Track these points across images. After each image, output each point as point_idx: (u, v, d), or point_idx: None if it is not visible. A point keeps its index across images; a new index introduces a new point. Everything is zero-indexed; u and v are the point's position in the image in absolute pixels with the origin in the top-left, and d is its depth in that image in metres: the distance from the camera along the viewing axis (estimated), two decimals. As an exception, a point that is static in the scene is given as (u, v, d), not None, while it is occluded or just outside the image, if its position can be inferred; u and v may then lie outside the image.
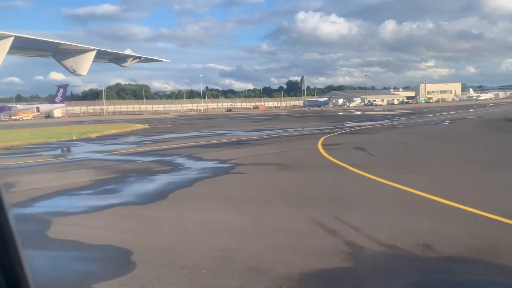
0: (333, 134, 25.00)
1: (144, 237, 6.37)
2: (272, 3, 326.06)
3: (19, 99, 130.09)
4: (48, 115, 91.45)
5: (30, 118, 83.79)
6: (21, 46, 15.38)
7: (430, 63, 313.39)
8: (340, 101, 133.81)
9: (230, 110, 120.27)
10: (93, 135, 31.08)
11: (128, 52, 29.93)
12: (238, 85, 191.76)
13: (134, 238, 6.27)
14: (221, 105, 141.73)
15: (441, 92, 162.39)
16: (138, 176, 12.22)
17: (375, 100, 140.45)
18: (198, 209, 8.25)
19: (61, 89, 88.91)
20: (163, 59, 33.34)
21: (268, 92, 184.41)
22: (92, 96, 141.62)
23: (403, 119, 41.66)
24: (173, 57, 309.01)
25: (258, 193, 9.45)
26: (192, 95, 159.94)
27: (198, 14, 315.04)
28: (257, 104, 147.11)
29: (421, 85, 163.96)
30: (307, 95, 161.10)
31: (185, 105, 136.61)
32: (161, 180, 11.42)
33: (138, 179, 11.79)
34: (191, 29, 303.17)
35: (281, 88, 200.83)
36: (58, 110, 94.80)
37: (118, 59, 26.06)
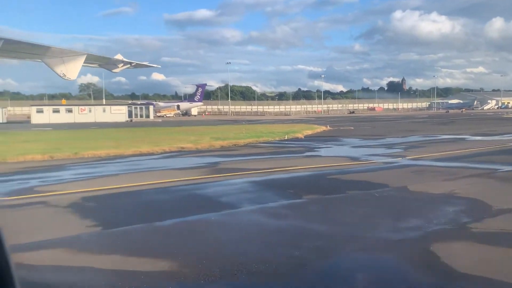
0: None
1: None
2: (367, 2, 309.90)
3: (144, 97, 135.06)
4: (186, 113, 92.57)
5: (172, 115, 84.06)
6: (11, 49, 15.27)
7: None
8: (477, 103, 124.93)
9: (353, 112, 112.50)
10: (299, 135, 30.71)
11: (118, 57, 29.74)
12: (328, 86, 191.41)
13: None
14: (339, 106, 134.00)
15: None
16: None
17: (509, 102, 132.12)
18: None
19: (199, 88, 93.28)
20: (153, 65, 33.17)
21: (366, 93, 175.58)
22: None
23: None
24: (261, 59, 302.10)
25: None
26: (288, 97, 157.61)
27: (288, 15, 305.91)
28: (373, 105, 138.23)
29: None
30: (409, 96, 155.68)
31: (305, 106, 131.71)
32: None
33: None
34: (281, 30, 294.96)
35: (381, 89, 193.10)
36: (195, 109, 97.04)
37: (109, 64, 25.96)
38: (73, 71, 18.72)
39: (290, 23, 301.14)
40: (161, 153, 20.13)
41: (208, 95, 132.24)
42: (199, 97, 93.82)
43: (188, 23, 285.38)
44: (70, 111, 64.40)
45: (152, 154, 19.87)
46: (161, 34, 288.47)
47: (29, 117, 63.64)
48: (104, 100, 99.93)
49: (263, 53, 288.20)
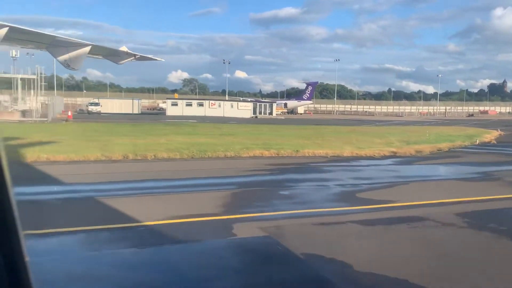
0: None
1: None
2: None
3: (233, 94, 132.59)
4: (292, 111, 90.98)
5: (279, 113, 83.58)
6: (15, 37, 14.75)
7: None
8: None
9: (472, 115, 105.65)
10: (486, 139, 29.28)
11: (123, 49, 29.11)
12: (416, 87, 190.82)
13: None
14: (447, 108, 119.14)
15: None
16: None
17: None
18: None
19: (309, 86, 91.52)
20: (158, 58, 32.80)
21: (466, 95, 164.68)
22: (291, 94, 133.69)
23: None
24: (346, 57, 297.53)
25: None
26: (377, 96, 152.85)
27: (377, 12, 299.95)
28: (484, 108, 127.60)
29: None
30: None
31: (407, 107, 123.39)
32: None
33: None
34: (368, 28, 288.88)
35: (481, 91, 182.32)
36: (302, 107, 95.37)
37: (114, 56, 25.48)
38: (77, 61, 18.25)
39: (378, 20, 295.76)
40: (382, 157, 18.93)
41: (295, 93, 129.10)
42: (308, 95, 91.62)
43: (272, 21, 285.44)
44: (201, 105, 67.54)
45: (372, 157, 18.76)
46: (245, 33, 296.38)
47: (150, 108, 72.60)
48: (197, 95, 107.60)
49: (348, 51, 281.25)
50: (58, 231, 7.27)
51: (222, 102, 70.72)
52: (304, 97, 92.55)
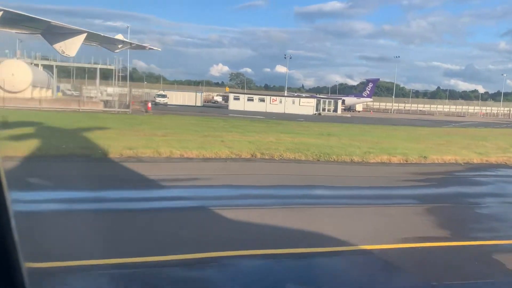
0: None
1: None
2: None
3: (276, 89, 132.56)
4: (349, 109, 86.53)
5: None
6: (10, 22, 14.41)
7: None
8: None
9: None
10: None
11: (119, 37, 28.89)
12: (465, 86, 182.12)
13: None
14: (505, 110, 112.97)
15: None
16: None
17: None
18: None
19: (370, 83, 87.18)
20: (154, 48, 32.05)
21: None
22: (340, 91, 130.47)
23: None
24: (392, 54, 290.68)
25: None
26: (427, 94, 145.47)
27: (427, 8, 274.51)
28: None
29: None
30: None
31: (464, 107, 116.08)
32: None
33: None
34: (417, 25, 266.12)
35: None
36: (360, 105, 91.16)
37: (109, 44, 25.29)
38: (72, 48, 17.91)
39: (428, 17, 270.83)
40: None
41: (344, 89, 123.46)
42: (368, 92, 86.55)
43: (317, 15, 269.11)
44: (262, 100, 66.03)
45: (506, 165, 17.25)
46: (288, 27, 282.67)
47: (205, 101, 74.60)
48: (245, 89, 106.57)
49: (394, 47, 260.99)
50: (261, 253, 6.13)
51: (283, 98, 68.89)
52: (364, 94, 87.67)
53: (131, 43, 25.69)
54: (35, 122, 20.98)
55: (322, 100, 71.19)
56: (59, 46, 17.99)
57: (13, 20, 15.44)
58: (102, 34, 22.51)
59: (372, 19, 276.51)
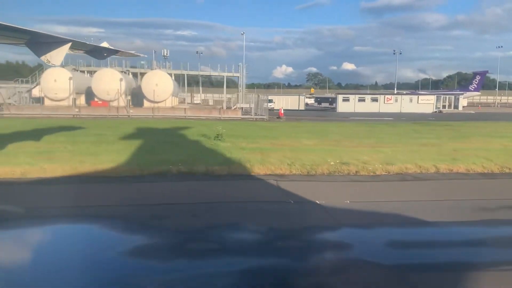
0: None
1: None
2: None
3: (346, 87, 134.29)
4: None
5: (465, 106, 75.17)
6: None
7: None
8: None
9: None
10: None
11: (104, 45, 26.58)
12: None
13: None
14: None
15: None
16: None
17: None
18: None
19: (478, 76, 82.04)
20: (139, 54, 28.71)
21: None
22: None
23: None
24: (466, 45, 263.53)
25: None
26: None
27: None
28: None
29: None
30: None
31: None
32: None
33: None
34: (492, 13, 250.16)
35: None
36: (465, 100, 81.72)
37: (95, 52, 23.55)
38: (57, 57, 17.34)
39: (505, 3, 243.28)
40: None
41: (425, 85, 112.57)
42: (475, 86, 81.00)
43: (385, 9, 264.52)
44: (375, 100, 62.83)
45: None
46: (355, 23, 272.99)
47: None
48: (327, 89, 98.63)
49: (468, 38, 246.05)
50: None
51: (399, 97, 64.48)
52: (471, 88, 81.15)
53: (116, 51, 26.28)
54: (236, 134, 20.41)
55: (443, 96, 65.73)
56: (44, 56, 20.70)
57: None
58: (88, 43, 24.31)
59: (443, 10, 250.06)
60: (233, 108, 44.65)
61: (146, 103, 43.77)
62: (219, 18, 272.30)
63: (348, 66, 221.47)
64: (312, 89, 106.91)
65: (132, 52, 23.64)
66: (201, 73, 58.69)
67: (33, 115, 36.83)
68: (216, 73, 56.05)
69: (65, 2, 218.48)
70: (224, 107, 45.30)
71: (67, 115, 37.88)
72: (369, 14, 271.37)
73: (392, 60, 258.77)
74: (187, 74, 56.20)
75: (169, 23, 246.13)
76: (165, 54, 55.22)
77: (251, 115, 40.38)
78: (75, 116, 37.90)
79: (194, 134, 20.06)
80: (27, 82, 50.04)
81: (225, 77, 54.08)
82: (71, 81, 43.08)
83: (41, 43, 15.62)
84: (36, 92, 46.00)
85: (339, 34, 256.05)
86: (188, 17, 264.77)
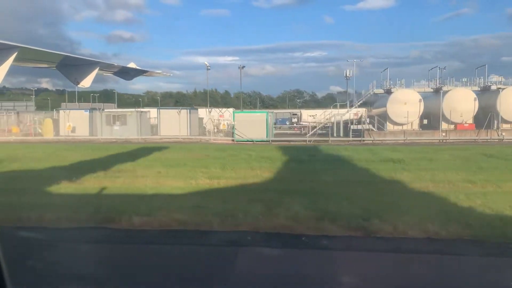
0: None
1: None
2: None
3: None
4: None
5: None
6: (25, 57, 15.57)
7: None
8: None
9: None
10: None
11: (131, 65, 26.63)
12: None
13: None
14: None
15: None
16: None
17: None
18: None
19: None
20: (167, 74, 29.19)
21: None
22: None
23: None
24: None
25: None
26: None
27: None
28: None
29: None
30: None
31: None
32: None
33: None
34: None
35: None
36: None
37: (122, 73, 23.80)
38: (87, 79, 17.73)
39: None
40: None
41: None
42: None
43: None
44: None
45: None
46: (501, 31, 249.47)
47: None
48: None
49: None
50: None
51: None
52: None
53: (144, 71, 26.63)
54: None
55: None
56: (74, 78, 21.34)
57: (29, 55, 19.46)
58: (115, 64, 24.70)
59: None
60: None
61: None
62: (348, 36, 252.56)
63: (495, 78, 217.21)
64: None
65: (159, 71, 24.03)
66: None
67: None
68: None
69: (203, 35, 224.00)
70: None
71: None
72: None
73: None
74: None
75: (300, 45, 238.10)
76: (347, 75, 53.83)
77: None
78: (441, 141, 37.23)
79: None
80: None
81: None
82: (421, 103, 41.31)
83: (71, 66, 15.96)
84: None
85: (483, 44, 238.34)
86: (319, 38, 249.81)
